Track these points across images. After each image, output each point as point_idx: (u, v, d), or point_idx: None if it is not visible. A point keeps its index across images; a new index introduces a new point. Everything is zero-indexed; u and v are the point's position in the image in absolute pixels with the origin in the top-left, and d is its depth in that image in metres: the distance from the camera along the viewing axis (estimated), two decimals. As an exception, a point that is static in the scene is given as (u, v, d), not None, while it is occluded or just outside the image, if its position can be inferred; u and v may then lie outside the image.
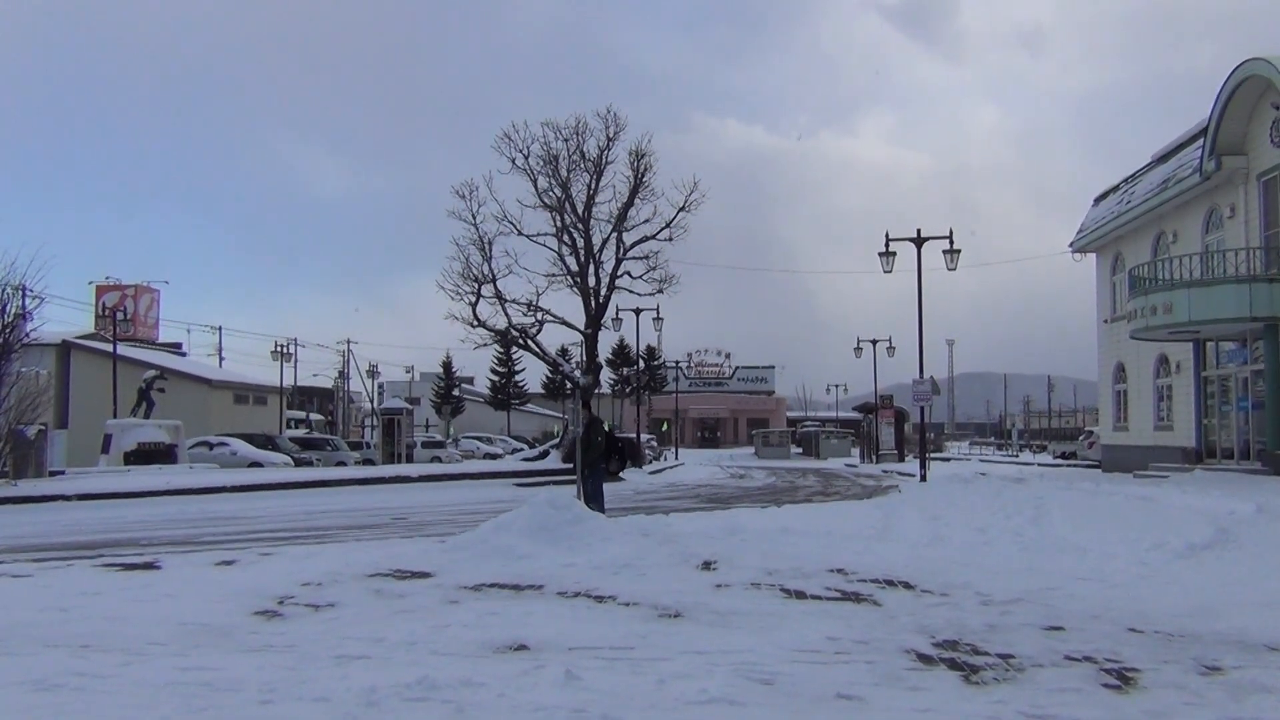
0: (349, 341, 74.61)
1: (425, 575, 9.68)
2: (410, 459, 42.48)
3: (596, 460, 13.48)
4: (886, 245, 28.93)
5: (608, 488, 14.99)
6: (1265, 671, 5.89)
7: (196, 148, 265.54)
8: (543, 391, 77.40)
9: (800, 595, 8.64)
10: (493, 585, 9.08)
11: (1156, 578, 9.48)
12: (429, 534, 14.55)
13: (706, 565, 10.33)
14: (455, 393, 78.86)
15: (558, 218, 36.67)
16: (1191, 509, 14.68)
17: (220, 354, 67.26)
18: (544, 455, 40.72)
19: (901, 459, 50.82)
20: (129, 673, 5.86)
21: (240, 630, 7.18)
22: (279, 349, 62.85)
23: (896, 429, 54.23)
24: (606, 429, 14.03)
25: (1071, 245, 34.17)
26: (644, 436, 52.85)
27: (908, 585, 9.14)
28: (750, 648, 6.46)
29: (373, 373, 77.48)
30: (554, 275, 37.16)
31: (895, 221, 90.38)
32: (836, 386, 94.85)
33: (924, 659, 6.23)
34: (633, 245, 37.07)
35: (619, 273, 37.34)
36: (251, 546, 13.15)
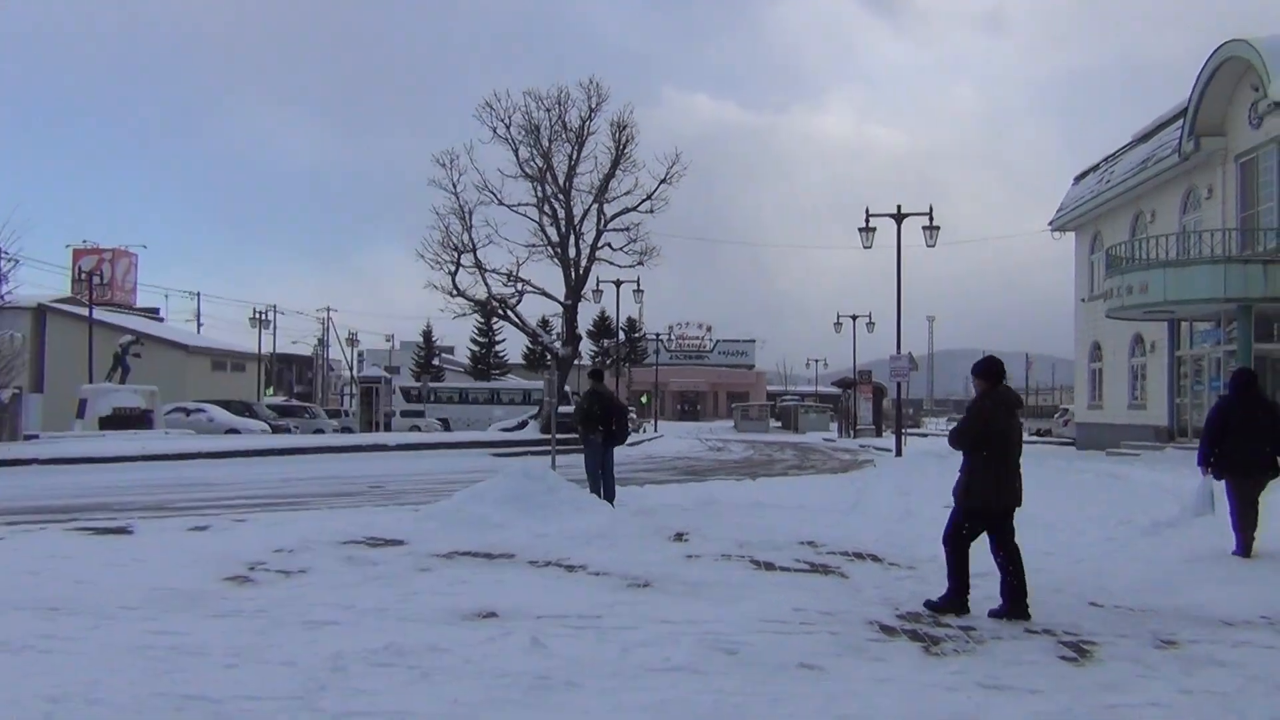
0: (329, 309, 74.32)
1: (398, 543, 9.71)
2: (389, 428, 42.43)
3: (585, 433, 13.34)
4: (867, 221, 28.96)
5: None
6: (1218, 646, 6.01)
7: (176, 113, 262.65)
8: (523, 362, 77.28)
9: (770, 567, 8.72)
10: (465, 554, 9.13)
11: (1122, 554, 9.62)
12: (404, 502, 14.58)
13: (679, 536, 10.41)
14: (435, 362, 78.66)
15: (539, 188, 36.57)
16: (1160, 487, 14.87)
17: (199, 320, 66.83)
18: (522, 425, 40.72)
19: (879, 434, 51.11)
20: (96, 636, 5.88)
21: (210, 595, 7.20)
22: (258, 316, 62.52)
23: (874, 404, 54.48)
24: (604, 399, 13.62)
25: (1051, 224, 34.29)
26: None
27: (876, 558, 9.25)
28: (717, 618, 6.54)
29: (352, 341, 77.24)
30: (534, 246, 37.12)
31: (870, 198, 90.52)
32: (816, 361, 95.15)
33: (887, 630, 6.32)
34: (613, 217, 37.04)
35: (600, 244, 37.32)
36: (225, 513, 13.15)
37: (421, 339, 78.86)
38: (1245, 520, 9.28)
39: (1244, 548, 9.24)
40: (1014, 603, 6.70)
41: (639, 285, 46.76)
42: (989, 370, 6.95)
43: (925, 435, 52.99)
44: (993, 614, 6.67)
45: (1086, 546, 10.02)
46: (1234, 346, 22.99)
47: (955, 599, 6.82)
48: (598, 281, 42.14)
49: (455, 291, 36.48)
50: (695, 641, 5.83)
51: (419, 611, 6.66)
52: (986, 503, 6.87)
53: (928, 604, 6.92)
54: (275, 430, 38.39)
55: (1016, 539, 6.99)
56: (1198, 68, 23.90)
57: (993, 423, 6.87)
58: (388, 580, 7.84)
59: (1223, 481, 9.48)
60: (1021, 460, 7.19)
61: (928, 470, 17.94)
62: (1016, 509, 7.00)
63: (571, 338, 38.28)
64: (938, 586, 7.83)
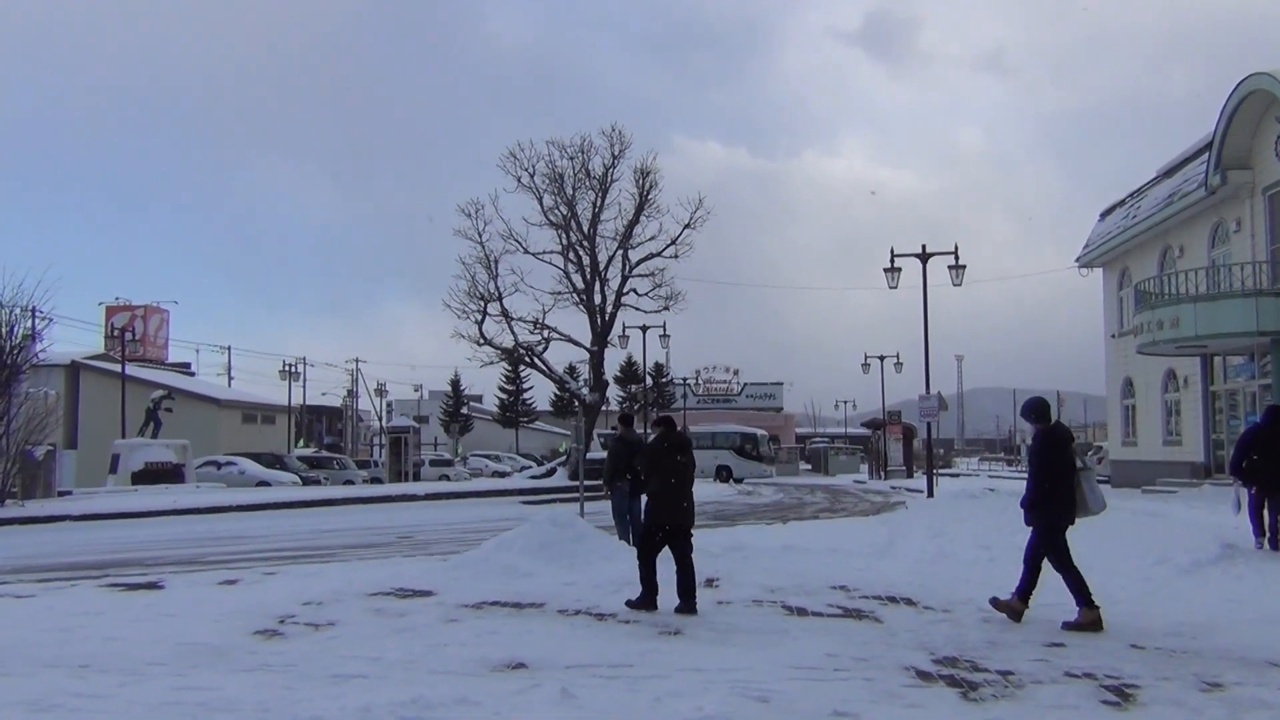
0: (357, 360, 74.85)
1: (427, 594, 9.67)
2: (418, 477, 42.49)
3: (612, 479, 13.30)
4: (892, 261, 28.93)
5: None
6: (1266, 688, 5.85)
7: (203, 170, 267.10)
8: (551, 409, 77.37)
9: (802, 612, 8.61)
10: (493, 604, 9.07)
11: (1160, 594, 9.44)
12: (433, 553, 14.54)
13: (709, 583, 10.30)
14: (463, 411, 78.91)
15: (563, 235, 36.86)
16: (1198, 525, 14.61)
17: (229, 373, 67.43)
18: (551, 473, 40.67)
19: (910, 475, 50.61)
20: (125, 693, 5.86)
21: (239, 650, 7.18)
22: (287, 368, 62.99)
23: (905, 445, 54.01)
24: (633, 446, 13.50)
25: (1078, 260, 34.10)
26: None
27: (910, 602, 9.11)
28: (748, 665, 6.44)
29: (381, 391, 77.59)
30: (560, 293, 37.34)
31: (889, 239, 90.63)
32: (845, 403, 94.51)
33: (923, 676, 6.20)
34: (638, 262, 37.23)
35: (625, 290, 37.48)
36: (255, 566, 13.17)
37: (449, 388, 79.21)
38: (1258, 521, 11.90)
39: (1258, 541, 11.81)
40: (685, 599, 8.59)
41: (665, 330, 46.81)
42: (658, 421, 9.39)
43: (957, 476, 52.46)
44: (676, 609, 8.48)
45: (1124, 587, 9.83)
46: (1269, 380, 22.66)
47: (646, 598, 8.68)
48: (624, 327, 42.23)
49: (482, 340, 36.70)
50: (727, 690, 5.74)
51: (448, 663, 6.61)
52: (660, 520, 8.83)
53: (627, 603, 8.71)
54: (305, 482, 38.55)
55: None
56: (1201, 102, 23.84)
57: (657, 457, 8.94)
58: (416, 632, 7.80)
59: (1249, 489, 11.99)
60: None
61: (961, 511, 17.73)
62: (690, 527, 8.94)
63: (598, 384, 38.33)
64: (974, 630, 7.73)
